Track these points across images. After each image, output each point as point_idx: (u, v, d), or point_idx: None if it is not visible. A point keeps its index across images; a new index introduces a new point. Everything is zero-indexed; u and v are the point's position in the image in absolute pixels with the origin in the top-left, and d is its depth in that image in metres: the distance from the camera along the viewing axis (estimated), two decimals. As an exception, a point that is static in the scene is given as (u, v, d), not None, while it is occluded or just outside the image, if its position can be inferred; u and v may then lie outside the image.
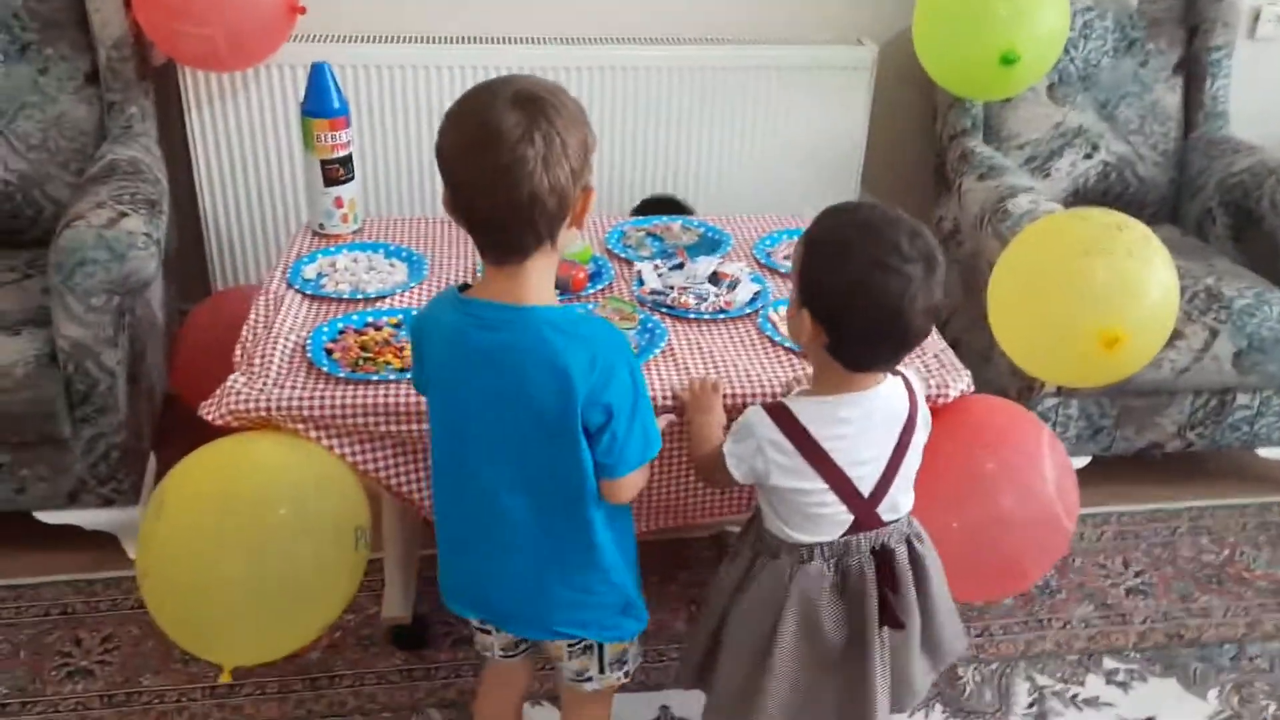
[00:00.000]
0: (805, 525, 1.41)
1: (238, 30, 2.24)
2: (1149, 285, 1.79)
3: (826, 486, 1.38)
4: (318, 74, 1.98)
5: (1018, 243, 1.97)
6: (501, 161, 1.19)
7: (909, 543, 1.45)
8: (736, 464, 1.42)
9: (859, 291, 1.29)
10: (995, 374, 2.29)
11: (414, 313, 1.44)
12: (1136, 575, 2.24)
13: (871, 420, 1.39)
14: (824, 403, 1.38)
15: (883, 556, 1.42)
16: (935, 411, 1.70)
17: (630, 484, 1.34)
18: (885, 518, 1.42)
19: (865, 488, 1.39)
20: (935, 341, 1.80)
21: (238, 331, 1.80)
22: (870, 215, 1.34)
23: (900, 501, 1.43)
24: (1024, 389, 2.21)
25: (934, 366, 1.75)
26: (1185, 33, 2.60)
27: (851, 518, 1.40)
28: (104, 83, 2.30)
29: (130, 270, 1.92)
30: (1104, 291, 1.77)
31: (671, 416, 1.62)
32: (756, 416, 1.40)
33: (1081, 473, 2.34)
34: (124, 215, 1.94)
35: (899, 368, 1.43)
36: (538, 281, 1.28)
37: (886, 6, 2.68)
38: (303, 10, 2.31)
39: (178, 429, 2.30)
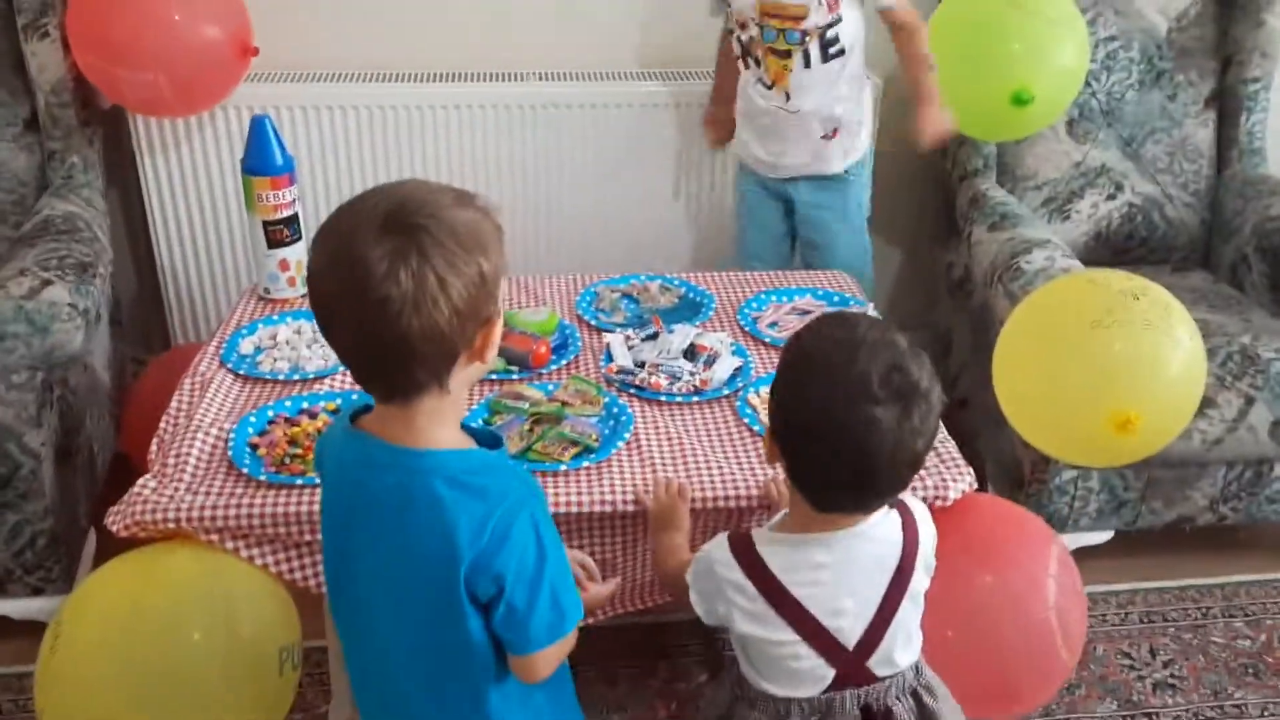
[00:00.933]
0: (779, 678, 1.21)
1: (183, 74, 2.08)
2: (1168, 361, 1.61)
3: (798, 638, 1.18)
4: (258, 129, 1.81)
5: (1025, 308, 1.78)
6: (365, 300, 0.99)
7: (916, 696, 1.24)
8: (698, 601, 1.24)
9: (815, 427, 1.11)
10: (1008, 442, 2.09)
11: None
12: (1165, 666, 2.03)
13: (853, 564, 1.18)
14: (795, 542, 1.19)
15: (877, 716, 1.21)
16: (936, 515, 1.51)
17: (543, 662, 1.12)
18: (879, 672, 1.21)
19: (849, 639, 1.19)
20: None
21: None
22: (849, 335, 1.13)
23: (898, 655, 1.22)
24: (1039, 460, 2.01)
25: (931, 461, 1.55)
26: (1218, 64, 2.38)
27: (833, 672, 1.20)
28: (44, 130, 2.15)
29: (54, 345, 1.77)
30: (1117, 367, 1.60)
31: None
32: (719, 553, 1.21)
33: (1105, 548, 2.17)
34: (47, 284, 1.79)
35: (910, 504, 1.24)
36: (427, 424, 1.08)
37: (888, 36, 2.48)
38: (255, 52, 2.15)
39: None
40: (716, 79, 2.32)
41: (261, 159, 1.82)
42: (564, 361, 1.75)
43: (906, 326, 2.52)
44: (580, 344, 1.80)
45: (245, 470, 1.47)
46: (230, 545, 1.43)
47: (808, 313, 1.91)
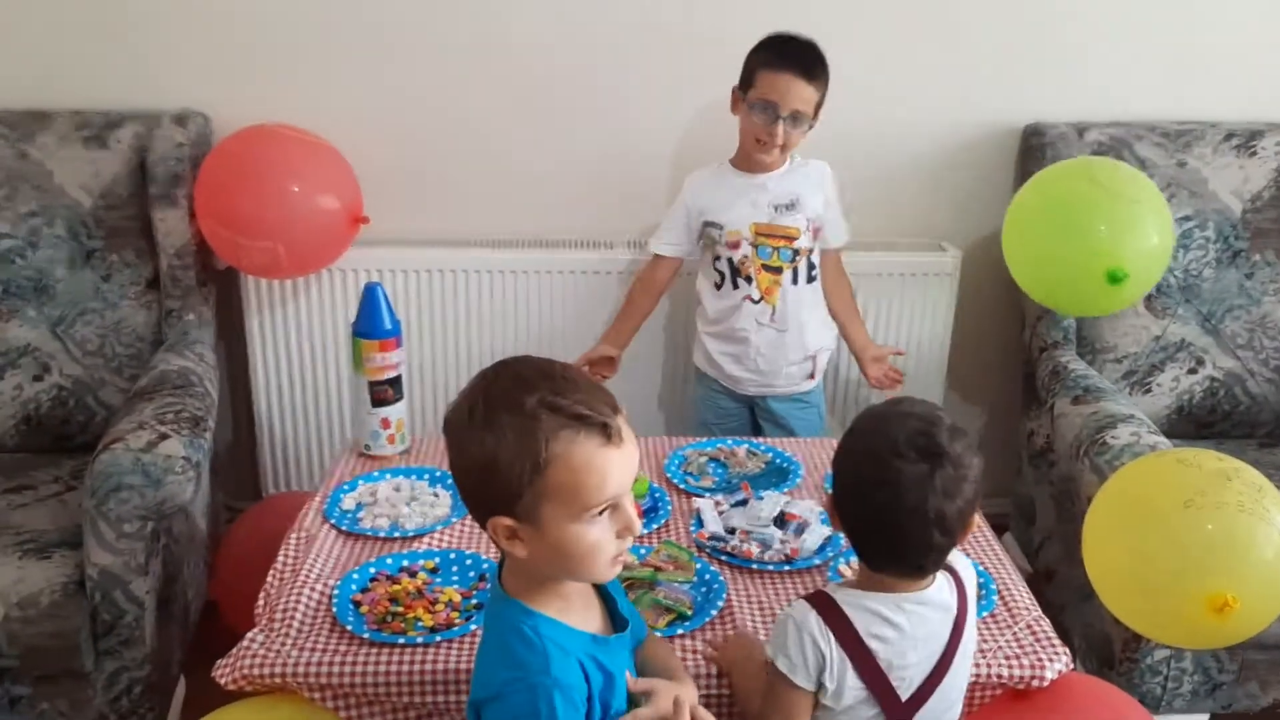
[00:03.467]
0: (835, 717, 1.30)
1: (300, 242, 2.21)
2: (1262, 543, 1.60)
3: (861, 685, 1.27)
4: (370, 295, 1.91)
5: (1115, 485, 1.79)
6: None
7: None
8: (792, 668, 1.27)
9: (851, 486, 1.26)
10: (1097, 617, 2.06)
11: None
12: None
13: (920, 626, 1.29)
14: (869, 598, 1.29)
15: None
16: (1028, 695, 1.50)
17: None
18: None
19: (904, 691, 1.28)
20: (1028, 608, 1.60)
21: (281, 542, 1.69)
22: (892, 408, 1.29)
23: (946, 713, 1.31)
24: (1130, 638, 1.98)
25: (1026, 640, 1.54)
26: (1295, 244, 2.43)
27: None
28: (164, 289, 2.28)
29: (166, 496, 1.84)
30: (1211, 550, 1.60)
31: None
32: (798, 609, 1.30)
33: (1201, 735, 2.10)
34: (164, 438, 1.87)
35: (957, 562, 1.35)
36: (510, 568, 1.21)
37: (969, 210, 2.57)
38: (366, 220, 2.28)
39: (214, 644, 2.18)
40: (629, 309, 2.37)
41: (372, 323, 1.92)
42: (655, 526, 1.77)
43: (987, 494, 2.53)
44: (670, 508, 1.83)
45: (349, 627, 1.50)
46: (331, 705, 1.46)
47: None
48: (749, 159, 2.23)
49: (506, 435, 1.09)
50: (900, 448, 1.21)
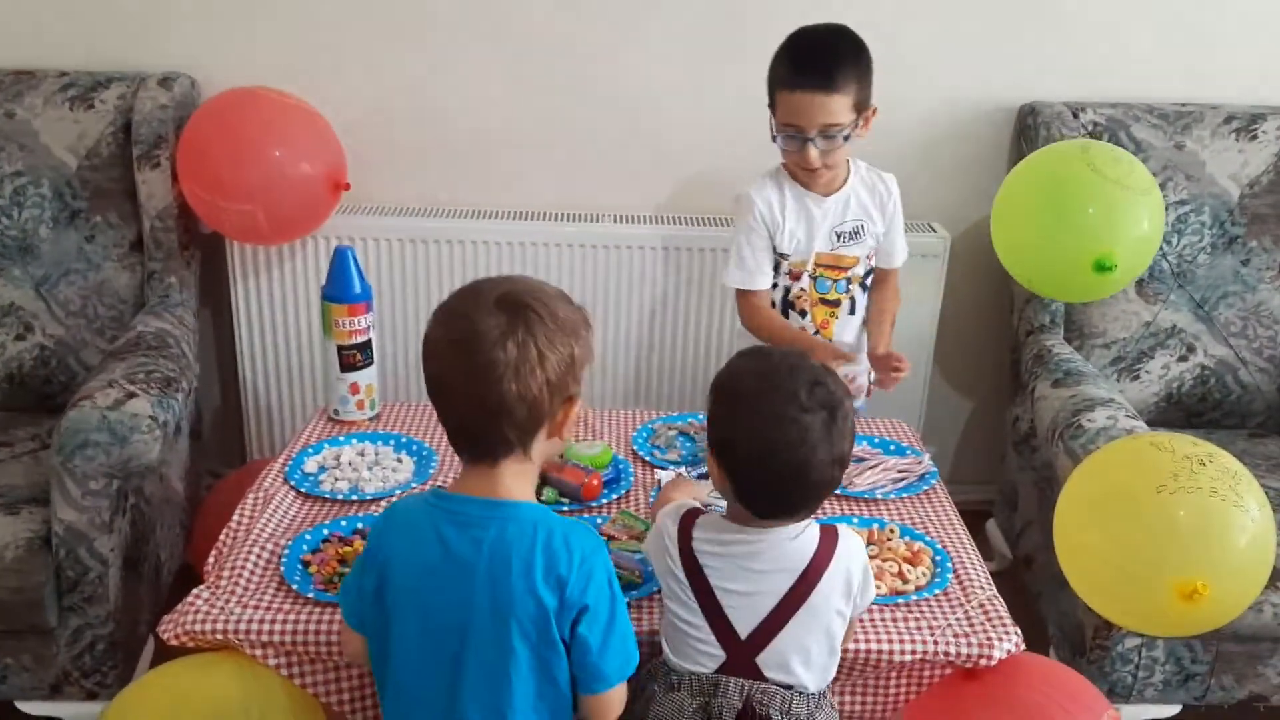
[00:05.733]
0: (680, 649, 1.35)
1: (279, 207, 2.21)
2: (1234, 531, 1.56)
3: (699, 609, 1.32)
4: (339, 259, 1.91)
5: (1087, 468, 1.76)
6: (474, 362, 1.20)
7: None
8: (648, 560, 1.44)
9: (757, 443, 1.27)
10: (1070, 605, 2.03)
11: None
12: None
13: (755, 555, 1.33)
14: (719, 523, 1.36)
15: (751, 718, 1.30)
16: (976, 675, 1.47)
17: (615, 701, 1.28)
18: (768, 673, 1.33)
19: (741, 627, 1.32)
20: (983, 587, 1.58)
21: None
22: (770, 363, 1.34)
23: (794, 665, 1.33)
24: (1101, 625, 1.94)
25: (976, 618, 1.52)
26: (1293, 231, 2.37)
27: (723, 655, 1.33)
28: (147, 251, 2.29)
29: (131, 454, 1.84)
30: (1182, 536, 1.57)
31: None
32: (671, 514, 1.38)
33: (1173, 723, 2.06)
34: (131, 396, 1.87)
35: (840, 528, 1.38)
36: (512, 483, 1.26)
37: (961, 191, 2.53)
38: (347, 187, 2.28)
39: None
40: (788, 328, 2.03)
41: (341, 287, 1.91)
42: (615, 496, 1.76)
43: (971, 481, 2.51)
44: (632, 479, 1.82)
45: (295, 586, 1.50)
46: (274, 661, 1.46)
47: (862, 459, 1.91)
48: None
49: (581, 334, 1.26)
50: (803, 401, 1.27)
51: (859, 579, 1.37)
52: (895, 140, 2.47)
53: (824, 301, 2.06)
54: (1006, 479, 2.49)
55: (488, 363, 1.18)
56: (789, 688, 1.34)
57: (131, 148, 2.25)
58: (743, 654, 1.33)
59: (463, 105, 2.44)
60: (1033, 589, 2.23)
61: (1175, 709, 2.03)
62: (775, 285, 2.04)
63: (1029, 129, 2.38)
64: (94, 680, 1.92)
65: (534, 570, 1.20)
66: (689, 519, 1.38)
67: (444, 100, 2.44)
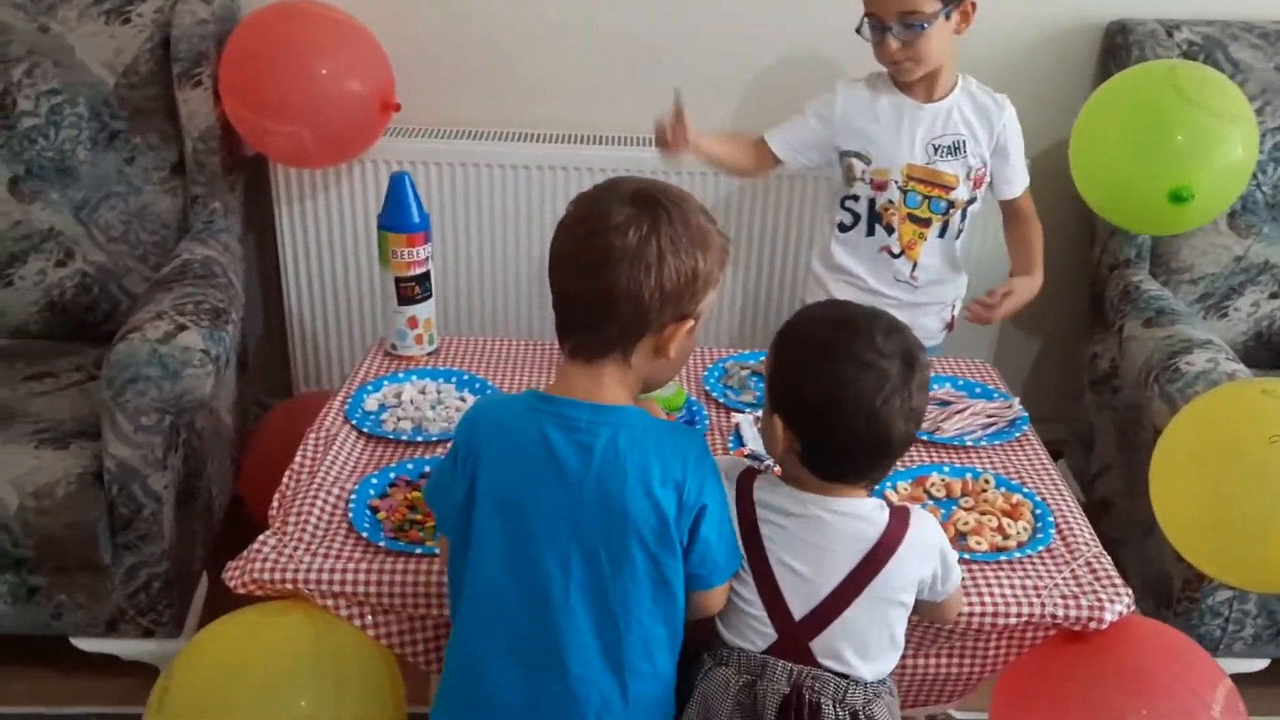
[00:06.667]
0: (731, 623, 1.28)
1: (327, 128, 2.10)
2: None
3: (752, 581, 1.24)
4: (396, 186, 1.81)
5: (1190, 415, 1.66)
6: (590, 244, 1.16)
7: (855, 718, 1.24)
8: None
9: (834, 390, 1.18)
10: (1157, 553, 1.95)
11: (457, 426, 1.29)
12: (1323, 812, 1.85)
13: (819, 531, 1.23)
14: (780, 489, 1.27)
15: (799, 705, 1.22)
16: (1080, 637, 1.40)
17: (720, 596, 1.25)
18: (821, 660, 1.24)
19: (796, 607, 1.23)
20: (1088, 543, 1.50)
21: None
22: (843, 312, 1.27)
23: (847, 654, 1.23)
24: (1192, 577, 1.87)
25: (1084, 578, 1.44)
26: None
27: (774, 635, 1.24)
28: (189, 174, 2.19)
29: (184, 389, 1.77)
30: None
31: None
32: (727, 471, 1.29)
33: (1260, 676, 1.99)
34: (182, 329, 1.79)
35: (914, 512, 1.27)
36: (616, 389, 1.21)
37: (1041, 115, 2.38)
38: (397, 107, 2.17)
39: (240, 541, 2.14)
40: (731, 147, 1.99)
41: (398, 216, 1.81)
42: (691, 440, 1.68)
43: (1040, 420, 2.40)
44: (708, 422, 1.73)
45: (365, 534, 1.43)
46: (345, 612, 1.39)
47: (948, 403, 1.82)
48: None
49: (712, 250, 1.19)
50: (882, 347, 1.19)
51: (935, 568, 1.26)
52: (971, 60, 2.31)
53: (912, 219, 1.96)
54: (1081, 419, 2.39)
55: (604, 246, 1.14)
56: (844, 676, 1.24)
57: (171, 65, 2.14)
58: (795, 636, 1.24)
59: (521, 16, 2.30)
60: (1111, 536, 2.14)
61: (1264, 663, 1.97)
62: (858, 198, 1.97)
63: (1118, 48, 2.24)
64: (149, 618, 1.88)
65: (651, 478, 1.15)
66: (747, 478, 1.29)
67: (500, 11, 2.30)
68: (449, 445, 1.62)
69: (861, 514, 1.24)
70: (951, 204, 1.96)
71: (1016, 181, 2.01)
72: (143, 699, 1.91)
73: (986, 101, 1.96)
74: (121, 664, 1.94)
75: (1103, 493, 2.23)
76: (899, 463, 1.64)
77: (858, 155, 1.94)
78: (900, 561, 1.23)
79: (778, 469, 1.33)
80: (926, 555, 1.25)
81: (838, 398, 1.18)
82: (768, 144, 1.98)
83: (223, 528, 2.16)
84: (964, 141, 1.93)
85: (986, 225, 2.25)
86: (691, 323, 1.20)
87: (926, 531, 1.26)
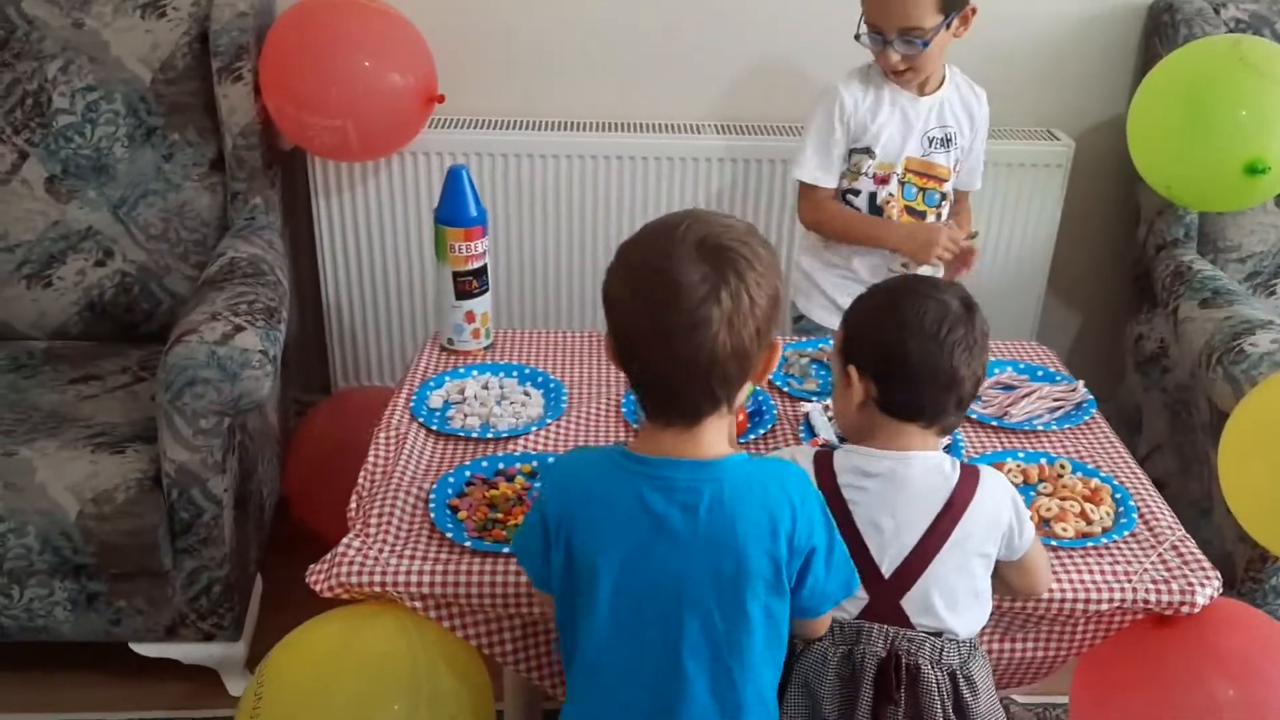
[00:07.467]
0: None
1: (370, 122, 2.07)
2: None
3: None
4: (454, 180, 1.78)
5: (1261, 395, 1.66)
6: (682, 322, 1.07)
7: (954, 680, 1.26)
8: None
9: (901, 320, 1.26)
10: (1214, 534, 1.95)
11: (541, 491, 1.26)
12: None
13: (898, 485, 1.27)
14: (856, 452, 1.30)
15: (897, 667, 1.24)
16: (1167, 621, 1.40)
17: (828, 619, 1.25)
18: (914, 618, 1.26)
19: (885, 566, 1.26)
20: (1171, 527, 1.49)
21: (355, 439, 1.61)
22: (905, 279, 1.43)
23: (940, 608, 1.26)
24: (1256, 557, 1.87)
25: (1172, 562, 1.43)
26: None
27: (866, 598, 1.26)
28: (229, 170, 2.16)
29: (243, 391, 1.74)
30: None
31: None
32: (803, 456, 1.31)
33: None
34: (239, 330, 1.76)
35: (982, 467, 1.31)
36: (714, 439, 1.15)
37: (1085, 94, 2.38)
38: (441, 99, 2.14)
39: (287, 544, 2.13)
40: (862, 220, 1.96)
41: (456, 209, 1.79)
42: (762, 431, 1.67)
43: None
44: (775, 412, 1.72)
45: (449, 535, 1.41)
46: (434, 614, 1.38)
47: (1012, 387, 1.81)
48: None
49: (780, 269, 1.16)
50: (941, 293, 1.28)
51: (1011, 518, 1.29)
52: (1015, 39, 2.31)
53: (910, 210, 1.96)
54: (1127, 399, 2.39)
55: (701, 320, 1.06)
56: (938, 634, 1.26)
57: (210, 59, 2.10)
58: (887, 595, 1.26)
59: (564, 4, 2.27)
60: (1165, 515, 2.14)
61: (1326, 641, 1.97)
62: (859, 192, 1.95)
63: (1164, 27, 2.23)
64: (210, 622, 1.86)
65: (761, 529, 1.12)
66: (824, 456, 1.31)
67: (530, 2, 2.27)
68: (519, 442, 1.62)
69: (936, 466, 1.28)
70: (944, 195, 1.97)
71: (979, 175, 2.05)
72: (203, 703, 1.93)
73: (970, 94, 1.97)
74: (180, 668, 1.92)
75: (1154, 474, 2.22)
76: (973, 448, 1.64)
77: (866, 151, 1.92)
78: (977, 509, 1.27)
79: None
80: (1001, 504, 1.29)
81: (903, 323, 1.26)
82: (814, 187, 1.94)
83: (274, 529, 2.14)
84: (954, 133, 1.95)
85: (977, 213, 2.24)
86: (779, 342, 1.17)
87: (998, 482, 1.31)
